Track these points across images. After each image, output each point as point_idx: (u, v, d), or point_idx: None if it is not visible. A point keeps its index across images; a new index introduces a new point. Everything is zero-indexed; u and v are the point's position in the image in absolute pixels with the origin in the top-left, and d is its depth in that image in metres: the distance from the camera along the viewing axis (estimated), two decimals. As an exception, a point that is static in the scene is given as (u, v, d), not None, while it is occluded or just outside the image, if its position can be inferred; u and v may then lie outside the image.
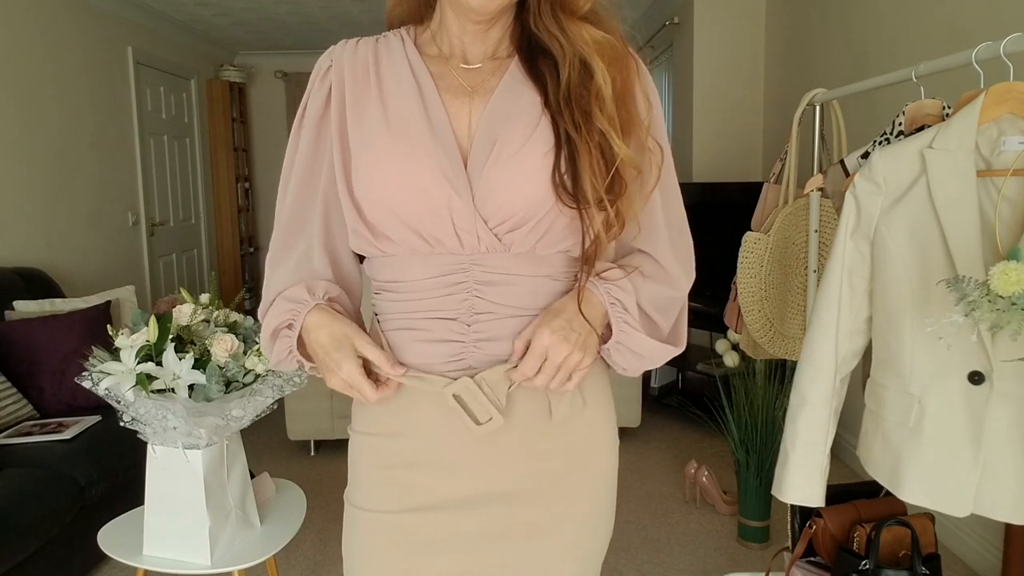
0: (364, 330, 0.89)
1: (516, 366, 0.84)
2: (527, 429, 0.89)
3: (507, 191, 0.82)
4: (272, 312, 0.90)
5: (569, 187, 0.82)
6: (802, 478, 1.43)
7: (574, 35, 0.84)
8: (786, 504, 1.69)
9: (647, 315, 0.89)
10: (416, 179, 0.82)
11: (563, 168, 0.82)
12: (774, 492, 1.47)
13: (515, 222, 0.83)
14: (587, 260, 0.85)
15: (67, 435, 2.39)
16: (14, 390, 2.57)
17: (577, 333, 0.83)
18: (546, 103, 0.85)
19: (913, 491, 1.28)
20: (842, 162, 1.69)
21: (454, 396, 0.85)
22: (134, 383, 1.42)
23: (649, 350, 0.89)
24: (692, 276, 0.95)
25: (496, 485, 0.88)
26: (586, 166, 0.81)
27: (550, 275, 0.87)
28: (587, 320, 0.84)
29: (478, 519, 0.88)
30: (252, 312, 1.31)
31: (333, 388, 0.86)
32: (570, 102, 0.83)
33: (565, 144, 0.82)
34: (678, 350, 0.92)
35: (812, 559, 1.74)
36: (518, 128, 0.84)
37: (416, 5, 0.95)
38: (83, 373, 1.49)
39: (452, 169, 0.82)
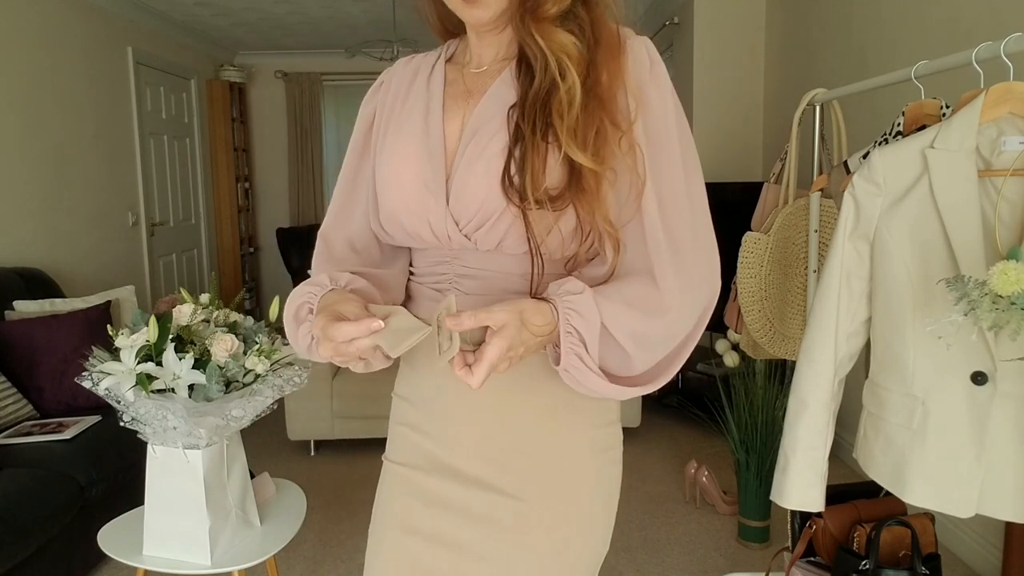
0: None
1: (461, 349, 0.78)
2: (518, 427, 0.91)
3: (469, 191, 0.86)
4: (294, 293, 0.91)
5: (517, 186, 0.83)
6: (802, 484, 1.42)
7: (544, 39, 0.85)
8: (786, 504, 1.69)
9: (618, 343, 0.81)
10: (402, 182, 0.90)
11: (512, 169, 0.83)
12: (774, 498, 1.47)
13: (477, 221, 0.86)
14: (533, 261, 0.86)
15: (67, 435, 2.39)
16: (14, 390, 2.57)
17: (524, 349, 0.79)
18: (516, 105, 0.87)
19: (917, 493, 1.28)
20: (845, 163, 1.69)
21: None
22: (134, 383, 1.42)
23: (602, 391, 0.81)
24: (701, 306, 0.85)
25: (480, 471, 0.92)
26: (530, 166, 0.82)
27: (522, 273, 0.90)
28: (538, 339, 0.80)
29: (464, 496, 0.92)
30: (252, 312, 1.31)
31: (329, 359, 0.83)
32: (534, 104, 0.85)
33: (518, 144, 0.84)
34: (646, 391, 0.84)
35: (812, 559, 1.74)
36: (489, 130, 0.87)
37: (438, 21, 1.00)
38: (83, 373, 1.49)
39: (432, 171, 0.88)
